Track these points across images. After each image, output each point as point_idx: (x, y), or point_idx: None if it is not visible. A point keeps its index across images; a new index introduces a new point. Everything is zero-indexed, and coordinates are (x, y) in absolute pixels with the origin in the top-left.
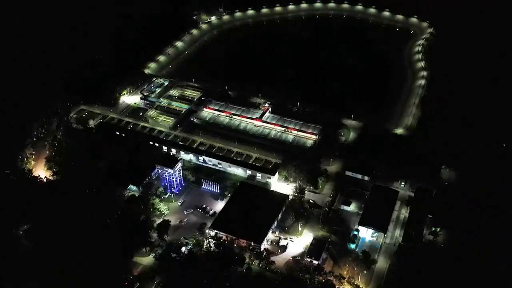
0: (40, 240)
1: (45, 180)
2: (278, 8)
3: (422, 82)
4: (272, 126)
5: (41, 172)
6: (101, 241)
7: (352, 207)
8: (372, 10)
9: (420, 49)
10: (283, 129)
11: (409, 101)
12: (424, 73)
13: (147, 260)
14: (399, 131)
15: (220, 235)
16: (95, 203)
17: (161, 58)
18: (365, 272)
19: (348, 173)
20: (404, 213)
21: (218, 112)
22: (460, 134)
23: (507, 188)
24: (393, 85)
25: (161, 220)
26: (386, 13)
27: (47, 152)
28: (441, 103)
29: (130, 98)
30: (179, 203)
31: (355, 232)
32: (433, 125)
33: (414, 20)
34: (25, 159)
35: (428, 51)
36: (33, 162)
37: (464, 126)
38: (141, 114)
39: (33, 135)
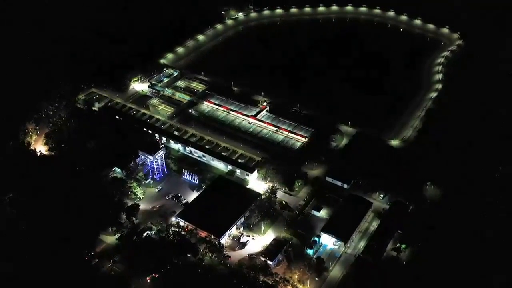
0: (22, 208)
1: (39, 154)
2: (307, 9)
3: (434, 95)
4: (265, 124)
5: (41, 147)
6: (75, 215)
7: (322, 213)
8: (403, 18)
9: (442, 60)
10: (275, 128)
11: (415, 113)
12: (439, 86)
13: (111, 239)
14: (394, 142)
15: (182, 224)
16: (80, 180)
17: (180, 49)
18: (316, 279)
19: (328, 179)
20: (375, 225)
21: (216, 107)
22: (456, 153)
23: (492, 213)
24: (406, 95)
25: (131, 203)
26: (418, 22)
27: (50, 129)
28: (444, 119)
29: (140, 86)
30: (156, 190)
31: (316, 238)
32: (430, 140)
33: (445, 30)
34: (29, 133)
35: (451, 64)
36: (34, 137)
37: (462, 145)
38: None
39: (43, 111)
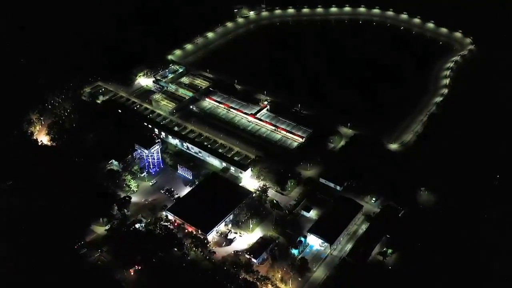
0: (20, 195)
1: (40, 143)
2: (319, 9)
3: (438, 99)
4: (264, 123)
5: (44, 137)
6: (68, 205)
7: (311, 214)
8: (416, 20)
9: (451, 65)
10: (273, 127)
11: (418, 117)
12: (445, 90)
13: (102, 229)
14: (393, 146)
15: (171, 219)
16: (77, 171)
17: (188, 46)
18: (299, 279)
19: (322, 180)
20: (364, 228)
21: (218, 104)
22: (454, 160)
23: (485, 222)
24: (411, 99)
25: (124, 195)
26: (431, 25)
27: (53, 120)
28: (447, 125)
29: (145, 81)
30: (150, 184)
31: (301, 238)
32: (430, 145)
33: (458, 34)
34: (34, 123)
35: (460, 69)
36: (38, 127)
37: (462, 152)
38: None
39: (49, 102)
